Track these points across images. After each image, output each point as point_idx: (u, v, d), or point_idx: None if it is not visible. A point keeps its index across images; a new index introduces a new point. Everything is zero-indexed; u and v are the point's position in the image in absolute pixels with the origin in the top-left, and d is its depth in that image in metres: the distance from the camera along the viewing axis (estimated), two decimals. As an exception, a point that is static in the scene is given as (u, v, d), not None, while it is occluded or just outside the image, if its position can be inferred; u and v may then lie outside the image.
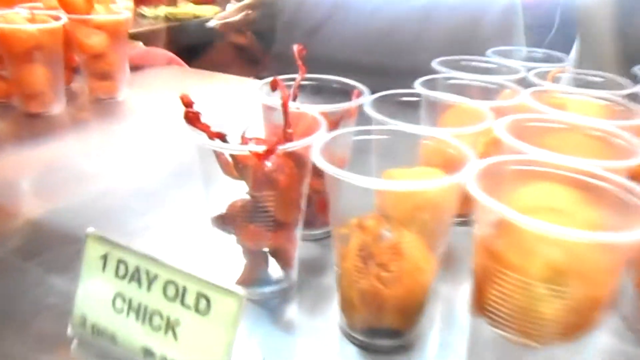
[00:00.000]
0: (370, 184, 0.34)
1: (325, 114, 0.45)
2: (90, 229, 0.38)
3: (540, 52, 0.73)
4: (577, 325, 0.32)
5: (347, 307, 0.40)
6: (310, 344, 0.41)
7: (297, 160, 0.39)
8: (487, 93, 0.60)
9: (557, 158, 0.36)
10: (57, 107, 0.84)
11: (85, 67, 0.89)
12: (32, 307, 0.42)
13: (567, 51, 0.86)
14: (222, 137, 0.40)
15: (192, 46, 1.48)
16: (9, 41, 0.75)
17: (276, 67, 1.04)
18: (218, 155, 0.41)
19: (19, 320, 0.41)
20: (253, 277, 0.45)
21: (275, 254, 0.44)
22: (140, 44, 1.18)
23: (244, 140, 0.42)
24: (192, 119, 0.38)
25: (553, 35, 1.05)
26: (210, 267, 0.47)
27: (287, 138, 0.41)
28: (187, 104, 0.39)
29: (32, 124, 0.80)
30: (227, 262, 0.46)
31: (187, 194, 0.61)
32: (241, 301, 0.32)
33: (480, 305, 0.35)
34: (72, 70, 0.94)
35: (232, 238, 0.43)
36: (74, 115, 0.85)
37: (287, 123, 0.41)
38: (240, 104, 0.93)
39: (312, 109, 0.45)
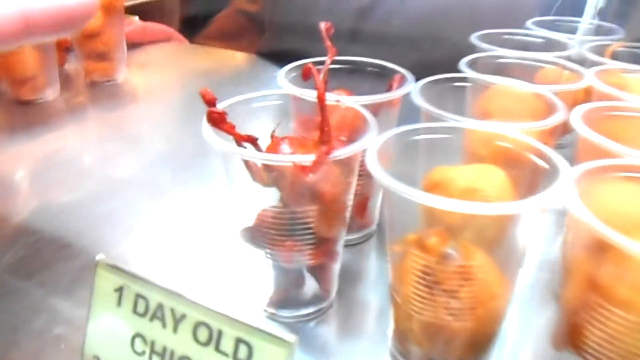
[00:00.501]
0: (452, 206, 0.27)
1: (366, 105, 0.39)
2: (101, 256, 0.32)
3: (585, 22, 0.66)
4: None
5: (404, 337, 0.34)
6: (358, 374, 0.35)
7: (344, 166, 0.33)
8: (532, 70, 0.53)
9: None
10: (51, 93, 0.76)
11: (79, 48, 0.81)
12: (37, 340, 0.36)
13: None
14: (253, 141, 0.33)
15: (196, 16, 1.39)
16: (-6, 21, 0.67)
17: (278, 39, 0.95)
18: (246, 161, 0.34)
19: (23, 356, 0.35)
20: (287, 297, 0.39)
21: (313, 270, 0.39)
22: (137, 18, 1.10)
23: (275, 141, 0.36)
24: (217, 120, 0.32)
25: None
26: (233, 284, 0.42)
27: (326, 137, 0.35)
28: (210, 101, 0.33)
29: (24, 113, 0.73)
30: (252, 278, 0.40)
31: (196, 192, 0.54)
32: (292, 350, 0.26)
33: (573, 341, 0.29)
34: (65, 50, 0.86)
35: (261, 252, 0.37)
36: (69, 101, 0.78)
37: (325, 120, 0.35)
38: (248, 84, 0.86)
39: (353, 102, 0.38)
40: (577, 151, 0.38)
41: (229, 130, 0.33)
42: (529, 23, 0.63)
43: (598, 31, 0.64)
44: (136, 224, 0.49)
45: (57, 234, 0.47)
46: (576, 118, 0.36)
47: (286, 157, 0.31)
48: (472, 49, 0.56)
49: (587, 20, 0.65)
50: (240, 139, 0.33)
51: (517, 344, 0.37)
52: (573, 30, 0.65)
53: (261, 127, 0.39)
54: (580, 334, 0.28)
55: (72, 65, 0.88)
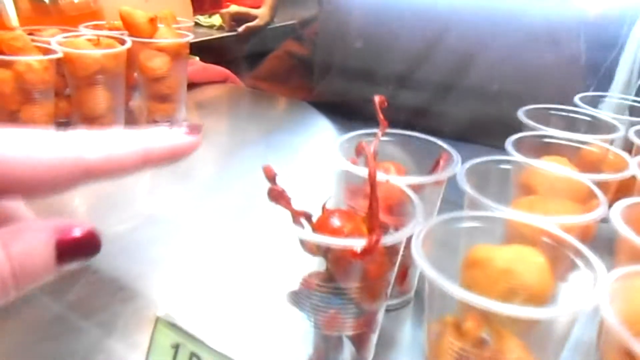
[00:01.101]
0: (489, 304, 0.29)
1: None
2: (162, 313, 0.35)
3: (635, 100, 0.67)
4: None
5: (436, 415, 0.36)
6: None
7: (390, 248, 0.35)
8: (575, 149, 0.55)
9: None
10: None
11: (145, 89, 0.87)
12: (94, 381, 0.39)
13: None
14: (307, 218, 0.36)
15: (248, 56, 1.46)
16: (74, 65, 0.73)
17: (333, 86, 0.99)
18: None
19: (79, 396, 0.38)
20: (326, 360, 0.41)
21: (352, 337, 0.40)
22: (197, 59, 1.16)
23: (326, 213, 0.38)
24: (277, 197, 0.35)
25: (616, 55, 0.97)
26: (276, 341, 0.44)
27: (374, 215, 0.37)
28: (271, 178, 0.36)
29: (90, 148, 0.78)
30: (294, 337, 0.42)
31: (245, 245, 0.57)
32: None
33: None
34: (131, 88, 0.93)
35: (304, 316, 0.40)
36: (132, 139, 0.83)
37: (374, 199, 0.37)
38: (299, 133, 0.90)
39: (401, 182, 0.40)
40: (617, 242, 0.39)
41: (287, 206, 0.36)
42: (576, 99, 0.65)
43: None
44: (187, 272, 0.53)
45: (116, 274, 0.51)
46: (616, 214, 0.37)
47: (339, 241, 0.33)
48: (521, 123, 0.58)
49: (635, 99, 0.66)
50: (296, 214, 0.36)
51: None
52: (620, 109, 0.66)
53: (312, 192, 0.42)
54: None
55: (136, 102, 0.94)
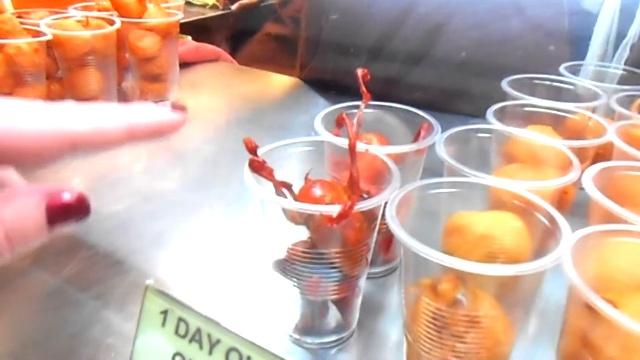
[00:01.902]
0: (463, 265, 0.31)
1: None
2: (150, 281, 0.36)
3: (618, 68, 0.68)
4: None
5: (414, 372, 0.37)
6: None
7: (368, 214, 0.37)
8: (561, 117, 0.56)
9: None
10: (109, 111, 0.83)
11: (136, 69, 0.88)
12: (91, 349, 0.41)
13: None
14: (288, 188, 0.37)
15: (236, 36, 1.45)
16: (64, 47, 0.74)
17: (322, 64, 0.99)
18: (281, 202, 0.39)
19: (78, 362, 0.40)
20: (311, 325, 0.43)
21: (337, 302, 0.42)
22: (189, 38, 1.16)
23: (308, 184, 0.40)
24: (257, 167, 0.36)
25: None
26: (263, 308, 0.46)
27: (355, 184, 0.38)
28: (252, 150, 0.37)
29: (85, 129, 0.80)
30: (281, 304, 0.44)
31: (238, 217, 0.59)
32: (309, 380, 0.30)
33: (567, 391, 0.32)
34: (123, 69, 0.93)
35: (290, 282, 0.41)
36: (125, 119, 0.84)
37: (355, 168, 0.39)
38: (291, 109, 0.91)
39: (381, 152, 0.42)
40: (589, 207, 0.41)
41: (268, 176, 0.37)
42: (561, 68, 0.66)
43: (629, 79, 0.66)
44: (182, 245, 0.54)
45: (111, 250, 0.53)
46: (588, 179, 0.39)
47: (314, 207, 0.34)
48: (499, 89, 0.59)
49: (621, 67, 0.66)
50: (277, 185, 0.37)
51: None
52: (605, 77, 0.66)
53: (298, 168, 0.43)
54: (573, 386, 0.31)
55: (129, 83, 0.95)
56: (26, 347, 0.42)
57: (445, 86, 0.84)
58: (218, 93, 0.98)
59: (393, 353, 0.43)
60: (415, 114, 0.50)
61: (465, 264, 0.30)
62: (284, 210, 0.39)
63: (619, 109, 0.54)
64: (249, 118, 0.86)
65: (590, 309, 0.30)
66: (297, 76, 1.03)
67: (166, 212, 0.60)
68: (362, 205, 0.34)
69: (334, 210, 0.33)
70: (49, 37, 0.71)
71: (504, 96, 0.58)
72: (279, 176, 0.39)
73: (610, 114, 0.57)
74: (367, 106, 0.51)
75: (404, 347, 0.39)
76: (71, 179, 0.67)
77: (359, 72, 0.50)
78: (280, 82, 1.04)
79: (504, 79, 0.61)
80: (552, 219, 0.35)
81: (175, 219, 0.59)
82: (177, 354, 0.35)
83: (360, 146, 0.41)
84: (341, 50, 0.95)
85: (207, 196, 0.64)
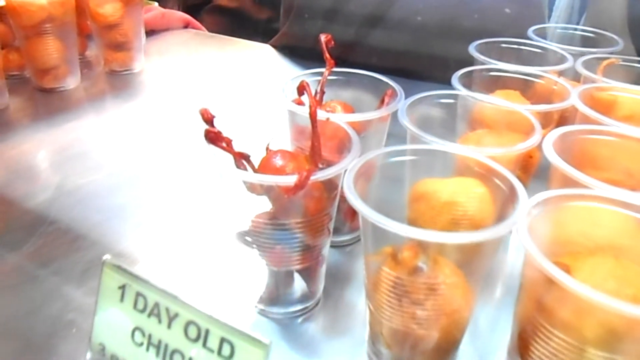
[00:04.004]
0: (410, 233, 0.30)
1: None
2: (107, 256, 0.36)
3: (586, 31, 0.67)
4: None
5: (376, 340, 0.38)
6: (336, 369, 0.39)
7: (327, 183, 0.36)
8: (529, 81, 0.55)
9: (622, 194, 0.33)
10: (72, 82, 0.81)
11: (99, 37, 0.85)
12: (51, 325, 0.41)
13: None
14: (246, 158, 0.37)
15: (190, 7, 1.41)
16: (19, 15, 0.71)
17: (295, 31, 0.97)
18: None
19: (37, 340, 0.40)
20: (276, 295, 0.43)
21: (301, 271, 0.42)
22: (156, 4, 1.13)
23: (269, 154, 0.39)
24: (213, 138, 0.35)
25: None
26: (228, 281, 0.46)
27: (316, 153, 0.38)
28: (208, 120, 0.36)
29: (46, 101, 0.77)
30: (245, 276, 0.44)
31: (203, 190, 0.58)
32: (267, 351, 0.30)
33: (522, 353, 0.32)
34: (85, 37, 0.90)
35: (254, 253, 0.41)
36: (89, 90, 0.82)
37: (315, 137, 0.38)
38: (259, 76, 0.89)
39: (341, 120, 0.41)
40: (550, 171, 0.41)
41: (225, 148, 0.36)
42: (530, 31, 0.65)
43: (597, 41, 0.65)
44: (143, 219, 0.53)
45: (72, 225, 0.52)
46: (548, 144, 0.38)
47: (271, 179, 0.34)
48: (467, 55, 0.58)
49: (589, 29, 0.66)
50: (235, 156, 0.36)
51: (479, 350, 0.40)
52: (573, 40, 0.66)
53: (261, 136, 0.42)
54: (527, 349, 0.31)
55: (93, 52, 0.92)
56: (-16, 325, 0.41)
57: (407, 51, 0.83)
58: (186, 61, 0.95)
59: (359, 321, 0.43)
60: (380, 80, 0.49)
61: (422, 232, 0.30)
62: (244, 182, 0.38)
63: (584, 72, 0.54)
64: (218, 86, 0.84)
65: (544, 274, 0.30)
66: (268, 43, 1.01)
67: (128, 186, 0.59)
68: (319, 175, 0.33)
69: (291, 181, 0.33)
70: (2, 3, 0.68)
71: (466, 61, 0.57)
72: (239, 147, 0.38)
73: (577, 77, 0.56)
74: (332, 73, 0.50)
75: (366, 315, 0.39)
76: (34, 153, 0.65)
77: (322, 37, 0.48)
78: (250, 48, 1.02)
79: (461, 43, 0.60)
80: (510, 186, 0.35)
81: (138, 192, 0.58)
82: (136, 328, 0.35)
83: (320, 114, 0.40)
84: (311, 15, 0.93)
85: (170, 169, 0.62)
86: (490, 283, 0.45)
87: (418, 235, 0.30)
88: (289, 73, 0.49)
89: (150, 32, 1.03)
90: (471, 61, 0.58)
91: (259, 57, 0.98)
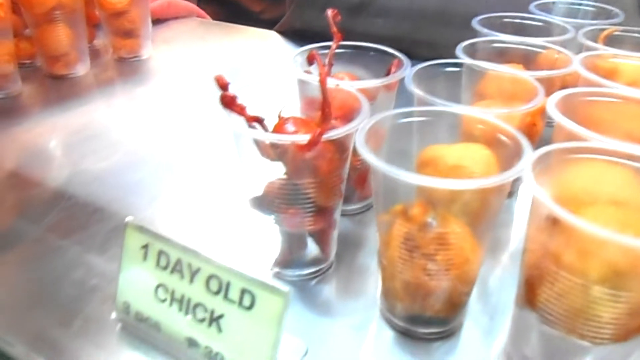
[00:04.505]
0: (420, 180, 0.32)
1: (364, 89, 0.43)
2: (129, 218, 0.37)
3: (588, 4, 0.68)
4: (634, 327, 0.30)
5: (389, 294, 0.39)
6: (349, 327, 0.40)
7: (339, 145, 0.38)
8: (531, 54, 0.57)
9: (624, 147, 0.34)
10: (82, 68, 0.82)
11: (107, 25, 0.86)
12: (76, 290, 0.42)
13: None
14: (260, 121, 0.38)
15: None
16: (30, 2, 0.72)
17: (300, 16, 0.98)
18: (255, 138, 0.39)
19: (63, 304, 0.41)
20: (290, 258, 0.44)
21: (314, 235, 0.44)
22: (161, -7, 1.14)
23: (281, 121, 0.40)
24: (228, 102, 0.37)
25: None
26: (243, 246, 0.47)
27: (326, 118, 0.39)
28: (223, 86, 0.37)
29: (57, 87, 0.79)
30: (260, 241, 0.45)
31: (213, 163, 0.60)
32: (287, 299, 0.32)
33: (529, 299, 0.33)
34: (94, 26, 0.92)
35: (268, 219, 0.42)
36: (98, 76, 0.84)
37: (325, 102, 0.39)
38: (266, 61, 0.90)
39: (351, 86, 0.42)
40: (553, 133, 0.42)
41: (240, 111, 0.37)
42: (532, 6, 0.66)
43: (599, 14, 0.66)
44: (160, 192, 0.55)
45: (90, 199, 0.53)
46: (552, 104, 0.40)
47: (286, 137, 0.35)
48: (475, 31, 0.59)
49: (590, 3, 0.67)
50: (249, 120, 0.38)
51: (487, 301, 0.42)
52: (576, 13, 0.67)
53: (270, 106, 0.44)
54: (535, 294, 0.32)
55: (101, 40, 0.94)
56: (12, 293, 0.43)
57: (405, 36, 0.84)
58: (193, 48, 0.96)
59: (370, 282, 0.45)
60: (386, 52, 0.50)
61: (434, 180, 0.32)
62: (258, 146, 0.40)
63: (585, 41, 0.55)
64: (225, 70, 0.85)
65: (549, 220, 0.31)
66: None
67: (142, 163, 0.60)
68: (332, 134, 0.35)
69: (305, 139, 0.34)
70: (14, -9, 0.69)
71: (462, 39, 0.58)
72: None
73: (580, 49, 0.58)
74: (339, 47, 0.51)
75: (379, 273, 0.40)
76: (49, 135, 0.66)
77: (329, 12, 0.50)
78: (256, 35, 1.03)
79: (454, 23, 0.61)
80: (516, 141, 0.36)
81: (152, 169, 0.59)
82: (159, 285, 0.36)
83: (330, 81, 0.42)
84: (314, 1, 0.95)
85: (182, 147, 0.64)
86: (498, 247, 0.47)
87: (430, 183, 0.32)
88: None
89: (156, 21, 1.05)
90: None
91: (265, 43, 0.99)
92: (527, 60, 0.57)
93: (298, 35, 0.98)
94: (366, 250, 0.48)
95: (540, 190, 0.30)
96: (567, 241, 0.30)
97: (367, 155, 0.33)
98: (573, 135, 0.38)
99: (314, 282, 0.44)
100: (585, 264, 0.29)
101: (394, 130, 0.42)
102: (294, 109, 0.48)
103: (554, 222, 0.31)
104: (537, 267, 0.32)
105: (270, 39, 1.01)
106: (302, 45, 0.96)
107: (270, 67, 0.88)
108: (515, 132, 0.37)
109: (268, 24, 1.05)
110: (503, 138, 0.37)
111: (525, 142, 0.35)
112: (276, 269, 0.44)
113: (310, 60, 0.44)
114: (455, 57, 0.52)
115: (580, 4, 0.68)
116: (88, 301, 0.41)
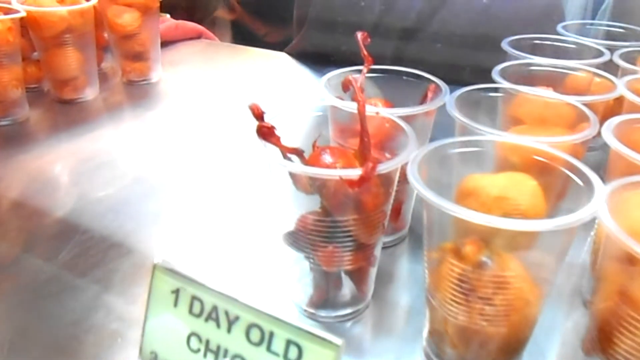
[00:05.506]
0: (485, 220, 0.29)
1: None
2: (158, 260, 0.34)
3: (617, 26, 0.67)
4: None
5: (438, 339, 0.36)
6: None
7: (384, 178, 0.35)
8: (559, 76, 0.54)
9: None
10: (91, 93, 0.79)
11: (116, 47, 0.84)
12: (96, 335, 0.39)
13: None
14: (299, 154, 0.35)
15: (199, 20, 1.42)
16: (39, 25, 0.70)
17: (311, 37, 0.96)
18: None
19: (81, 351, 0.38)
20: (326, 298, 0.41)
21: (351, 273, 0.41)
22: (168, 16, 1.12)
23: (317, 151, 0.38)
24: (266, 134, 0.34)
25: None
26: (272, 283, 0.44)
27: (365, 148, 0.37)
28: (259, 115, 0.35)
29: (66, 112, 0.76)
30: (289, 279, 0.42)
31: (234, 193, 0.57)
32: (339, 352, 0.29)
33: (602, 347, 0.31)
34: (102, 49, 0.89)
35: (301, 256, 0.40)
36: (108, 100, 0.81)
37: (364, 132, 0.37)
38: (279, 84, 0.88)
39: (392, 113, 0.40)
40: (609, 162, 0.39)
41: (277, 143, 0.35)
42: (559, 27, 0.64)
43: (628, 36, 0.64)
44: (178, 225, 0.52)
45: (106, 233, 0.50)
46: (608, 131, 0.37)
47: (334, 172, 0.32)
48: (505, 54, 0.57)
49: (616, 24, 0.65)
50: (287, 151, 0.35)
51: (546, 347, 0.39)
52: (604, 34, 0.65)
53: (300, 134, 0.41)
54: (611, 342, 0.29)
55: (109, 63, 0.91)
56: (26, 337, 0.39)
57: (435, 60, 0.82)
58: (202, 70, 0.94)
59: (409, 321, 0.42)
60: (420, 76, 0.48)
61: (504, 221, 0.29)
62: (294, 179, 0.37)
63: (623, 64, 0.53)
64: (234, 94, 0.83)
65: (627, 260, 0.29)
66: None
67: (160, 192, 0.57)
68: (385, 167, 0.32)
69: (354, 174, 0.31)
70: (23, 13, 0.67)
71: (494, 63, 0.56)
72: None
73: (614, 72, 0.55)
74: (370, 71, 0.49)
75: (424, 313, 0.37)
76: (58, 164, 0.63)
77: (359, 35, 0.47)
78: (265, 56, 1.01)
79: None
80: (576, 170, 0.34)
81: (169, 198, 0.56)
82: (192, 334, 0.33)
83: (370, 109, 0.39)
84: (328, 23, 0.93)
85: (198, 175, 0.61)
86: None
87: (500, 224, 0.29)
88: (307, 79, 0.48)
89: (164, 44, 1.02)
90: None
91: (275, 64, 0.97)
92: (556, 83, 0.54)
93: (309, 58, 0.96)
94: (401, 285, 0.46)
95: (618, 228, 0.27)
96: (651, 286, 0.27)
97: (424, 192, 0.30)
98: (631, 164, 0.36)
99: (350, 323, 0.41)
100: (673, 311, 0.27)
101: (434, 161, 0.40)
102: (324, 136, 0.46)
103: (633, 263, 0.28)
104: (613, 313, 0.29)
105: (279, 60, 0.99)
106: (313, 67, 0.94)
107: (285, 89, 0.85)
108: (579, 163, 0.34)
109: (272, 47, 1.03)
110: (566, 171, 0.34)
111: (593, 176, 0.32)
112: (310, 310, 0.41)
113: (346, 87, 0.41)
114: (477, 79, 0.50)
115: (609, 25, 0.67)
116: (109, 348, 0.38)
